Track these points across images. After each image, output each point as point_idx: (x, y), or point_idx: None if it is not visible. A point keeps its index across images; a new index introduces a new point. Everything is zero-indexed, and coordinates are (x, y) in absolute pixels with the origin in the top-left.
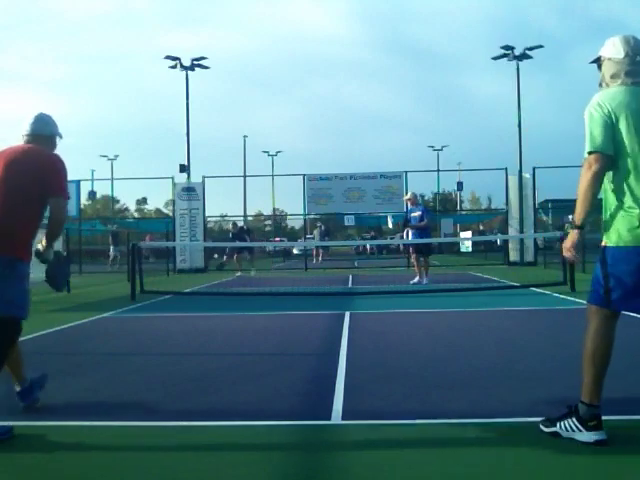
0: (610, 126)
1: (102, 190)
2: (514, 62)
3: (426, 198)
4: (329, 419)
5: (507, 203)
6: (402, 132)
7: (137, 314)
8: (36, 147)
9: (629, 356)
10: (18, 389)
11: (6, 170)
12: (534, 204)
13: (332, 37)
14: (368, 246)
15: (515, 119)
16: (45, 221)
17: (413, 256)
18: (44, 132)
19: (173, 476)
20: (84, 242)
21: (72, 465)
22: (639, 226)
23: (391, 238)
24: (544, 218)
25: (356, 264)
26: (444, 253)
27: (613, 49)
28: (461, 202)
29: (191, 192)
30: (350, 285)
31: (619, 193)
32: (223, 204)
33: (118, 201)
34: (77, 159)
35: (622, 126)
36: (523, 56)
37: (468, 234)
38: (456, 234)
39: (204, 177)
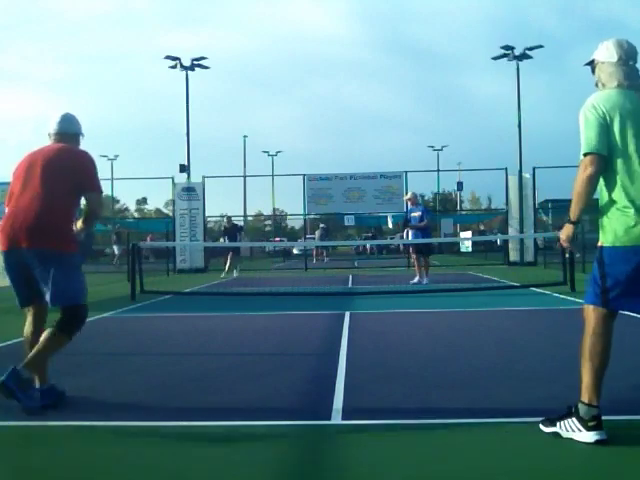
0: (605, 127)
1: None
2: (514, 62)
3: (426, 198)
4: (329, 419)
5: (507, 203)
6: (402, 132)
7: (137, 314)
8: (68, 146)
9: (629, 356)
10: (37, 386)
11: (44, 169)
12: (534, 204)
13: (332, 37)
14: (368, 246)
15: (515, 119)
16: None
17: (413, 256)
18: (70, 131)
19: (173, 476)
20: None
21: (72, 465)
22: (635, 226)
23: (391, 238)
24: (544, 218)
25: (356, 264)
26: (444, 253)
27: (607, 53)
28: (461, 202)
29: (191, 192)
30: (350, 285)
31: (614, 193)
32: (223, 204)
33: (118, 201)
34: None
35: (616, 127)
36: (523, 56)
37: (468, 234)
38: (456, 234)
39: (204, 177)
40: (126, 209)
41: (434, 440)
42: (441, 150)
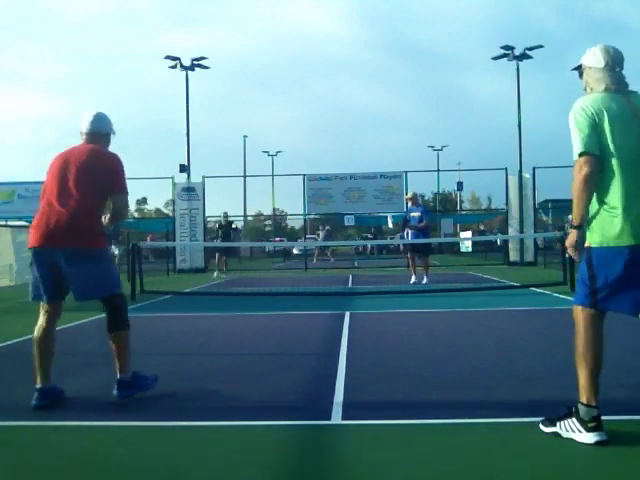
0: (595, 128)
1: None
2: (514, 62)
3: (426, 198)
4: (329, 419)
5: (507, 203)
6: (402, 132)
7: (137, 314)
8: (98, 148)
9: (629, 356)
10: (118, 377)
11: (76, 171)
12: (534, 204)
13: (332, 37)
14: (369, 246)
15: (515, 119)
16: None
17: (408, 255)
18: (102, 130)
19: (173, 476)
20: None
21: (72, 465)
22: (622, 226)
23: (391, 238)
24: (544, 218)
25: (356, 264)
26: (444, 253)
27: (594, 58)
28: (461, 202)
29: (191, 192)
30: (350, 285)
31: (601, 194)
32: (223, 204)
33: None
34: None
35: (605, 128)
36: (523, 56)
37: (468, 234)
38: (456, 234)
39: (204, 177)
40: None
41: (434, 440)
42: (441, 150)
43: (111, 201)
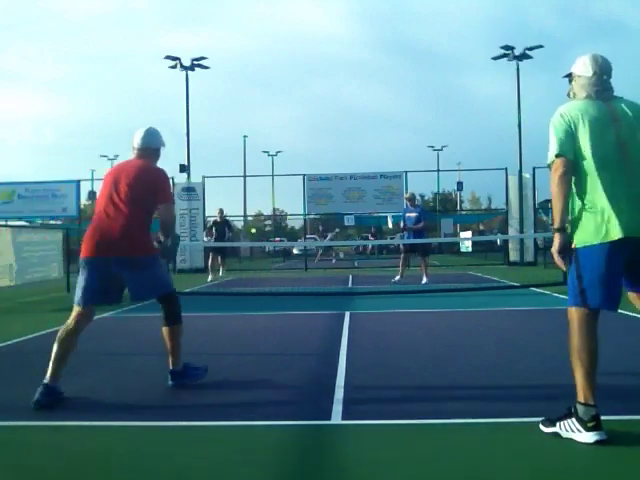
0: (570, 133)
1: None
2: (514, 62)
3: (426, 198)
4: (329, 419)
5: (507, 203)
6: (402, 132)
7: (137, 314)
8: (147, 163)
9: (629, 356)
10: (170, 368)
11: (127, 186)
12: (534, 204)
13: (332, 37)
14: (370, 246)
15: (515, 119)
16: None
17: (402, 255)
18: (153, 145)
19: (173, 476)
20: None
21: (72, 465)
22: (602, 224)
23: (391, 238)
24: (544, 218)
25: (356, 264)
26: (444, 253)
27: (583, 67)
28: (461, 202)
29: (191, 192)
30: (350, 285)
31: (581, 195)
32: (223, 204)
33: None
34: (77, 159)
35: (581, 132)
36: (523, 56)
37: (468, 234)
38: (456, 234)
39: (204, 177)
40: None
41: (434, 440)
42: (441, 150)
43: (158, 211)
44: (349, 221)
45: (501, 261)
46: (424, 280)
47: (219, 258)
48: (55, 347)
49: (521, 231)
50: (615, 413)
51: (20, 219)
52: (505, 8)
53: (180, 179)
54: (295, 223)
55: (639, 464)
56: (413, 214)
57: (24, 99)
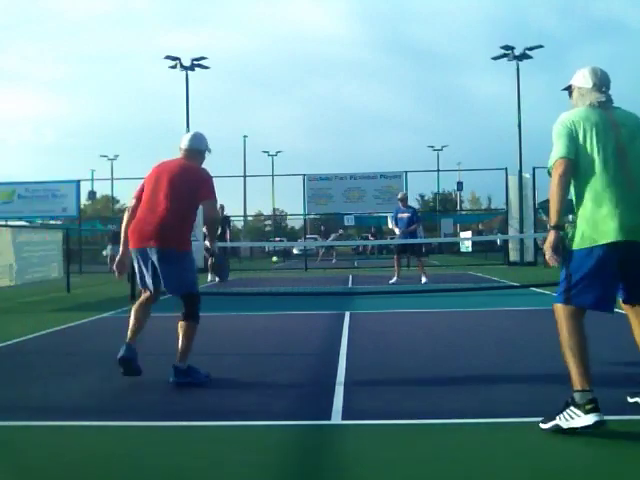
0: (572, 138)
1: (102, 190)
2: (514, 62)
3: (426, 198)
4: (329, 419)
5: (507, 203)
6: (402, 132)
7: None
8: (190, 163)
9: (630, 356)
10: (175, 364)
11: (169, 182)
12: (534, 204)
13: (332, 37)
14: (370, 245)
15: (515, 119)
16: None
17: (395, 257)
18: (199, 147)
19: (173, 476)
20: (84, 242)
21: (72, 465)
22: (594, 227)
23: (391, 238)
24: (544, 218)
25: (356, 264)
26: (444, 253)
27: (583, 80)
28: (461, 202)
29: None
30: (350, 285)
31: (578, 197)
32: (223, 204)
33: (118, 201)
34: (77, 159)
35: (582, 137)
36: (523, 56)
37: (468, 234)
38: (456, 234)
39: None
40: (126, 209)
41: (434, 440)
42: (441, 150)
43: (203, 207)
44: (349, 221)
45: (501, 261)
46: (423, 280)
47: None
48: (131, 315)
49: (521, 231)
50: (615, 413)
51: (20, 219)
52: (505, 8)
53: None
54: (295, 223)
55: (639, 464)
56: (405, 215)
57: (24, 99)
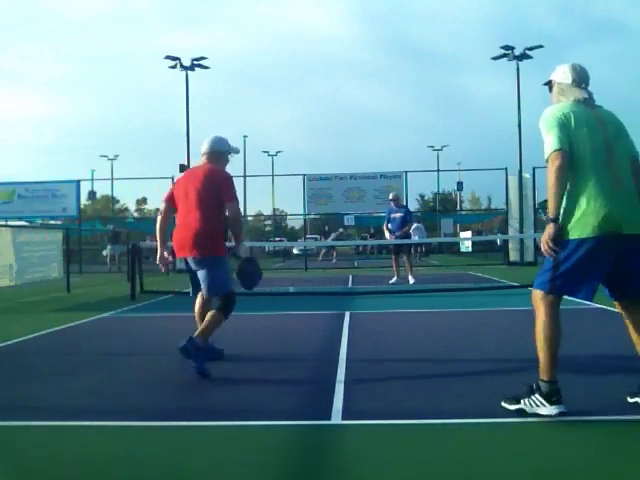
0: (564, 127)
1: (102, 190)
2: (514, 62)
3: (426, 198)
4: (329, 419)
5: (507, 203)
6: (402, 132)
7: (137, 314)
8: (213, 167)
9: (629, 356)
10: (192, 335)
11: (197, 192)
12: (534, 204)
13: (332, 37)
14: (369, 246)
15: (515, 119)
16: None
17: (393, 257)
18: (220, 148)
19: (173, 476)
20: (84, 242)
21: (72, 465)
22: (584, 218)
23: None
24: (544, 218)
25: (356, 264)
26: (444, 253)
27: (562, 75)
28: (461, 202)
29: None
30: (350, 285)
31: (569, 191)
32: None
33: (118, 201)
34: (77, 159)
35: (573, 130)
36: (523, 56)
37: (468, 234)
38: (456, 234)
39: None
40: (126, 209)
41: (434, 440)
42: (441, 150)
43: (226, 209)
44: (349, 221)
45: (501, 261)
46: (411, 280)
47: None
48: (196, 318)
49: (521, 231)
50: (615, 413)
51: (20, 219)
52: (505, 8)
53: None
54: (295, 223)
55: (639, 464)
56: (398, 214)
57: (24, 99)
